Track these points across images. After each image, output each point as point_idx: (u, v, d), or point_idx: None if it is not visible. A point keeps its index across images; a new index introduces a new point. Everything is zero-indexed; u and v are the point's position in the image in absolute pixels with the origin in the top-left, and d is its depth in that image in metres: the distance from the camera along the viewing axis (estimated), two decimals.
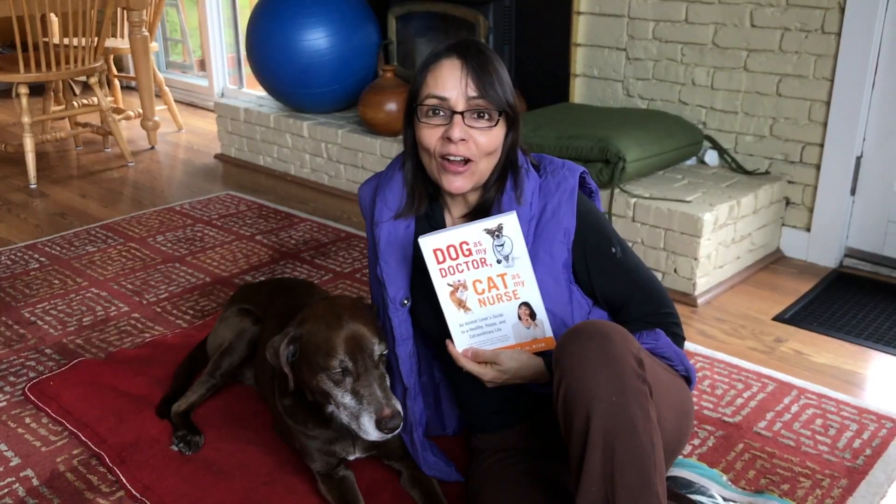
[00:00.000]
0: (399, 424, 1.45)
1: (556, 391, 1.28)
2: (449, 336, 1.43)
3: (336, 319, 1.49)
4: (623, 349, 1.25)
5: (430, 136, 1.45)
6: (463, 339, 1.43)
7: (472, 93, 1.42)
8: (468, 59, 1.43)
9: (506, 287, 1.39)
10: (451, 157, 1.44)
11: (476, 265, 1.38)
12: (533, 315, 1.41)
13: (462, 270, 1.38)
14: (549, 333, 1.43)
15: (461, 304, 1.40)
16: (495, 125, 1.44)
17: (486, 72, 1.42)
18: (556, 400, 1.28)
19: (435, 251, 1.37)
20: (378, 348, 1.49)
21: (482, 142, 1.44)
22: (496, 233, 1.36)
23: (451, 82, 1.42)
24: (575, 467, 1.25)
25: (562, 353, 1.28)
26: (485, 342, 1.43)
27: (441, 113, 1.44)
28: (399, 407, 1.46)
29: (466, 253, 1.37)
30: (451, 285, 1.39)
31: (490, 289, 1.39)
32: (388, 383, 1.51)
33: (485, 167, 1.47)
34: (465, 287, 1.39)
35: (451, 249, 1.37)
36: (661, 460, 1.24)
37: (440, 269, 1.38)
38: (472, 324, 1.42)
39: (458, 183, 1.47)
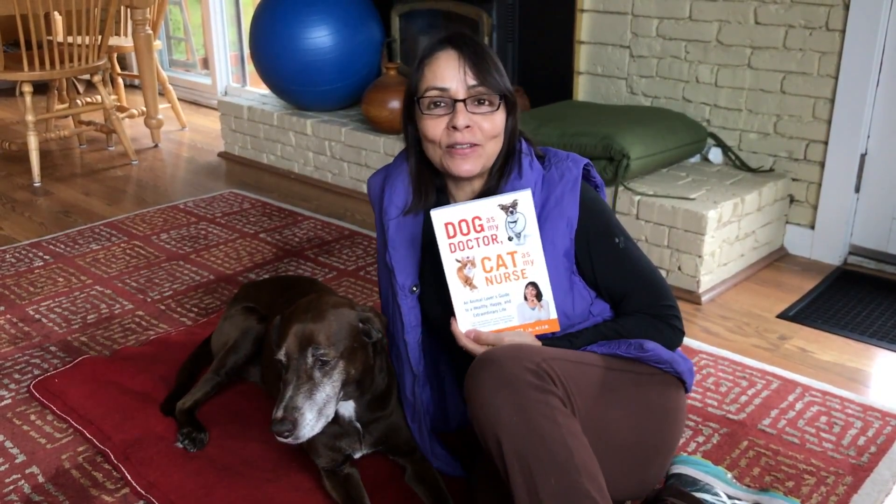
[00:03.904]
0: (281, 431, 1.39)
1: (472, 424, 1.33)
2: (454, 317, 1.43)
3: (301, 314, 1.49)
4: (516, 368, 1.28)
5: (434, 127, 1.47)
6: (467, 317, 1.41)
7: (472, 81, 1.44)
8: (463, 49, 1.45)
9: (514, 266, 1.39)
10: (458, 145, 1.45)
11: (487, 241, 1.37)
12: (539, 295, 1.40)
13: (472, 247, 1.37)
14: (554, 315, 1.42)
15: (468, 282, 1.39)
16: (497, 109, 1.46)
17: (482, 59, 1.45)
18: (476, 432, 1.32)
19: (446, 225, 1.36)
20: (318, 353, 1.45)
21: (486, 127, 1.46)
22: (510, 209, 1.35)
23: (449, 73, 1.44)
24: (507, 489, 1.27)
25: (465, 388, 1.33)
26: (488, 322, 1.42)
27: (443, 104, 1.46)
28: (297, 417, 1.40)
29: (478, 228, 1.36)
30: (459, 261, 1.38)
31: (498, 267, 1.38)
32: (323, 395, 1.45)
33: (491, 150, 1.49)
34: (473, 264, 1.38)
35: (463, 224, 1.36)
36: (585, 461, 1.25)
37: (450, 244, 1.37)
38: (476, 302, 1.40)
39: (467, 166, 1.47)
